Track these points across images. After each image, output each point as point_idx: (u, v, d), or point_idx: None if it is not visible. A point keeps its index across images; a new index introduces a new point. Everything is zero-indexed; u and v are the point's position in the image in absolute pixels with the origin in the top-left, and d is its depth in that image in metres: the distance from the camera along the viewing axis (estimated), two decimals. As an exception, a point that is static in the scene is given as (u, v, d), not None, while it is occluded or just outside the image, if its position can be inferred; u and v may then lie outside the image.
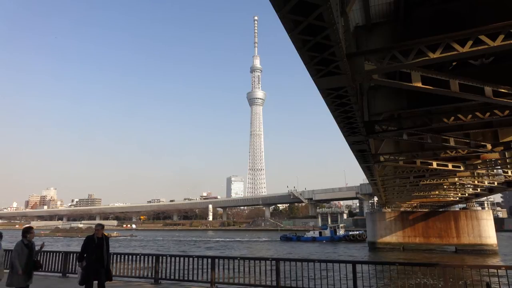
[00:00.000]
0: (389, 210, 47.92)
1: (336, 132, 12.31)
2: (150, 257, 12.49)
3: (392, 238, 45.58)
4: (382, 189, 30.45)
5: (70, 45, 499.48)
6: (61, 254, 13.67)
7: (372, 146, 16.30)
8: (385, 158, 17.58)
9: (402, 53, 6.42)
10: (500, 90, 8.06)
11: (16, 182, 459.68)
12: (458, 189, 33.53)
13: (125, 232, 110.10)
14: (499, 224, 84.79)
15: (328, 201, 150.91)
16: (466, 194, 35.90)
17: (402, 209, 51.50)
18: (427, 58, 6.25)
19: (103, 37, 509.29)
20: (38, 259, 8.55)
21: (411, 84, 7.56)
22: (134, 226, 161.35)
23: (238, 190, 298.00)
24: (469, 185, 29.99)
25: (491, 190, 32.49)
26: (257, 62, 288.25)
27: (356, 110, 8.83)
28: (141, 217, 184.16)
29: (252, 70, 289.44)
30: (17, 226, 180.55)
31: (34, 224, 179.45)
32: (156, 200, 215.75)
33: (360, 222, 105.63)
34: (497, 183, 27.60)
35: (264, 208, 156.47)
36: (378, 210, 56.77)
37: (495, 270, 9.58)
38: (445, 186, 29.95)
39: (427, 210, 50.62)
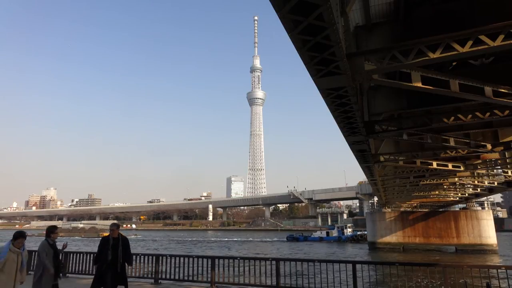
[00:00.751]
0: (389, 210, 47.92)
1: (336, 132, 12.32)
2: (150, 257, 12.46)
3: (392, 238, 45.59)
4: (382, 189, 30.45)
5: (70, 45, 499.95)
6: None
7: (372, 146, 16.30)
8: (385, 158, 17.58)
9: (402, 53, 6.41)
10: (500, 90, 8.05)
11: (16, 182, 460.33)
12: (458, 189, 33.53)
13: (128, 232, 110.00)
14: (499, 224, 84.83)
15: (328, 201, 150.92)
16: (466, 194, 35.90)
17: (402, 209, 51.49)
18: (427, 58, 6.25)
19: (103, 37, 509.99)
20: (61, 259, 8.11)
21: (411, 84, 7.56)
22: (134, 226, 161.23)
23: (238, 190, 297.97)
24: (469, 185, 29.99)
25: (491, 190, 32.49)
26: (257, 62, 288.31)
27: (356, 110, 8.82)
28: (141, 217, 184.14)
29: (252, 70, 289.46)
30: (17, 226, 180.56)
31: (34, 224, 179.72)
32: (156, 200, 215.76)
33: (360, 222, 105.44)
34: (497, 183, 27.60)
35: (264, 208, 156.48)
36: (378, 210, 56.74)
37: (495, 270, 9.59)
38: (445, 186, 29.94)
39: (427, 210, 50.62)
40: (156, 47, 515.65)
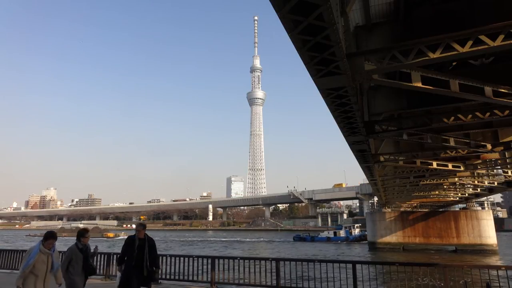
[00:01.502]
0: (389, 210, 47.89)
1: (336, 132, 12.32)
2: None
3: (392, 238, 45.56)
4: (382, 189, 30.44)
5: (70, 45, 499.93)
6: (61, 254, 13.61)
7: (372, 146, 16.30)
8: (385, 158, 17.58)
9: (402, 53, 6.41)
10: (500, 90, 8.05)
11: (16, 182, 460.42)
12: (458, 189, 33.51)
13: (131, 232, 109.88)
14: (499, 224, 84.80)
15: (328, 201, 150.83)
16: (466, 194, 35.89)
17: (402, 209, 51.46)
18: (427, 58, 6.25)
19: (103, 37, 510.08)
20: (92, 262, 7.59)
21: (411, 84, 7.56)
22: (134, 226, 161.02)
23: (238, 190, 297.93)
24: (469, 185, 29.97)
25: (491, 190, 32.49)
26: (257, 62, 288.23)
27: (356, 110, 8.82)
28: (141, 217, 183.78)
29: (252, 70, 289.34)
30: (17, 226, 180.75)
31: (34, 224, 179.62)
32: (156, 200, 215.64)
33: (360, 222, 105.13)
34: (497, 183, 27.59)
35: (264, 208, 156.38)
36: (378, 210, 56.69)
37: (495, 270, 9.59)
38: (445, 186, 29.93)
39: (427, 210, 50.59)
40: (156, 47, 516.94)
